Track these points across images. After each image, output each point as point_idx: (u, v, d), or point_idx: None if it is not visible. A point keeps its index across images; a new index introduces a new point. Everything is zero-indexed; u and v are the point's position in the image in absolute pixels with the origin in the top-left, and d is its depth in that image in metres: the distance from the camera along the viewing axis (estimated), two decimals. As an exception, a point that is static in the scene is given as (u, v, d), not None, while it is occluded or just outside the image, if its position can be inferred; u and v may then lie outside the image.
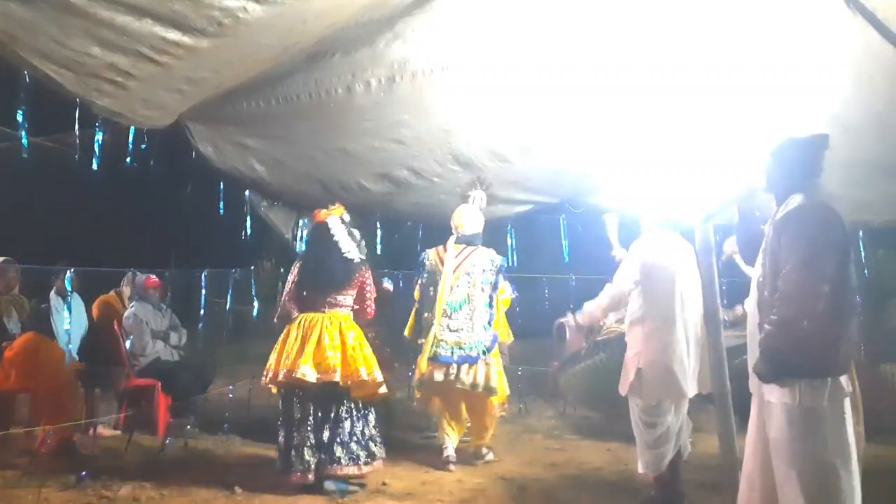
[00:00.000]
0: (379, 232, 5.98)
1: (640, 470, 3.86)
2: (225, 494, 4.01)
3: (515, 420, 6.27)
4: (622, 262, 4.01)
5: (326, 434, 4.06)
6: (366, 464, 4.11)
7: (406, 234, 6.41)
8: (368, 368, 4.12)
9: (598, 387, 4.12)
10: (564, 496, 4.15)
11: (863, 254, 5.94)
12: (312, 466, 4.02)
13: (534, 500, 4.12)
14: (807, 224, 2.66)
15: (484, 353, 4.67)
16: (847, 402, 2.70)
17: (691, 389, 3.76)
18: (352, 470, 4.07)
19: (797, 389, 2.61)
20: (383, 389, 4.23)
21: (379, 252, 6.00)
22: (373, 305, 4.40)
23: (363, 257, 4.38)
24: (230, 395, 5.72)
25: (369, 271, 4.45)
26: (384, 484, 4.25)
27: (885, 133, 4.06)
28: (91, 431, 5.30)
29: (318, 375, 4.00)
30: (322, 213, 4.44)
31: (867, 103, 3.79)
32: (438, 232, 5.60)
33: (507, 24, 3.47)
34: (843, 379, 2.68)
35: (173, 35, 2.89)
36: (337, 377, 4.01)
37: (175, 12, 2.74)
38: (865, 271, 5.93)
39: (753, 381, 2.81)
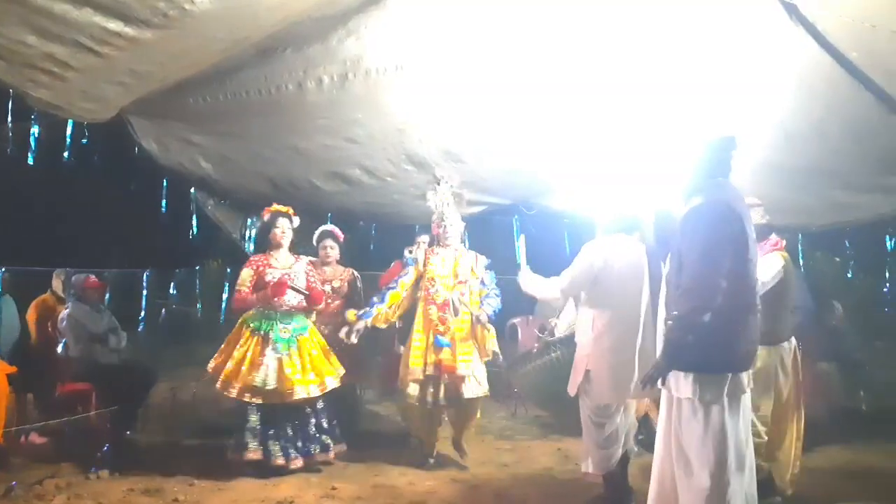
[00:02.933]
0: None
1: (588, 469, 3.85)
2: (166, 502, 3.88)
3: (467, 421, 6.26)
4: (573, 261, 3.98)
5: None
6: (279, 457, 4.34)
7: (358, 234, 6.35)
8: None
9: (550, 386, 4.12)
10: (516, 496, 4.16)
11: (801, 256, 6.17)
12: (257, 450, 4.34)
13: (485, 501, 4.11)
14: (704, 221, 2.75)
15: None
16: (746, 399, 2.82)
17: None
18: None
19: (697, 384, 2.71)
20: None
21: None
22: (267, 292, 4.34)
23: None
24: (173, 399, 5.54)
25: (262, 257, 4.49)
26: (333, 488, 4.17)
27: (825, 139, 4.23)
28: (23, 438, 5.05)
29: None
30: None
31: (808, 110, 3.95)
32: (392, 232, 5.55)
33: (461, 24, 3.47)
34: (744, 376, 2.79)
35: (115, 25, 2.80)
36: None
37: (118, 2, 2.66)
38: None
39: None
